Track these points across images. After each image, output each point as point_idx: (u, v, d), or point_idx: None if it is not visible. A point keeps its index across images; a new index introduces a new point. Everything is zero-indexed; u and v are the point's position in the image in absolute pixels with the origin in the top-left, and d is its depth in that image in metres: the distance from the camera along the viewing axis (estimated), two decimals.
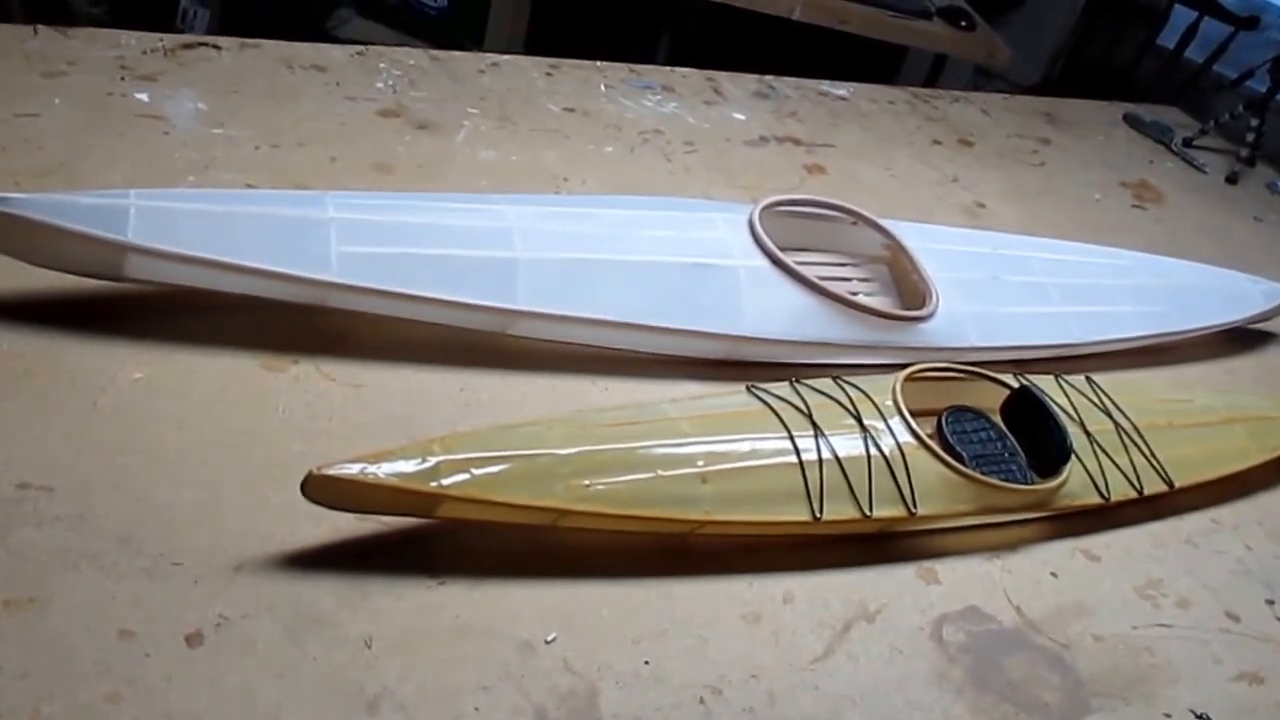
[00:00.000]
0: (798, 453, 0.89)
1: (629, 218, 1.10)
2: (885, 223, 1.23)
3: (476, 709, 0.72)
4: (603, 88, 1.63)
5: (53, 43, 1.40)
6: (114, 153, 1.20)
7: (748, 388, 0.96)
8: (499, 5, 3.04)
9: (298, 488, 0.77)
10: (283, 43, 1.53)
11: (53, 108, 1.26)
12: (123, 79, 1.35)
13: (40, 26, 1.42)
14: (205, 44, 1.49)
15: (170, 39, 1.48)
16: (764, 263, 1.09)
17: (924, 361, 1.05)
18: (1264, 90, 1.91)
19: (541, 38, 2.97)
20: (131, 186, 1.07)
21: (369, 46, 1.61)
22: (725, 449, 0.88)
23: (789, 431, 0.90)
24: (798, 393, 0.95)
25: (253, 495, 0.84)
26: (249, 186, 1.19)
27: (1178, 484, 1.05)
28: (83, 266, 0.95)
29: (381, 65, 1.54)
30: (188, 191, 1.03)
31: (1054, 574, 0.97)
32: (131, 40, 1.44)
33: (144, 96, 1.33)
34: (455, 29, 3.02)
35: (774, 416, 0.92)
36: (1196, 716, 0.87)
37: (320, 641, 0.74)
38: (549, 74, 1.63)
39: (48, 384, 0.89)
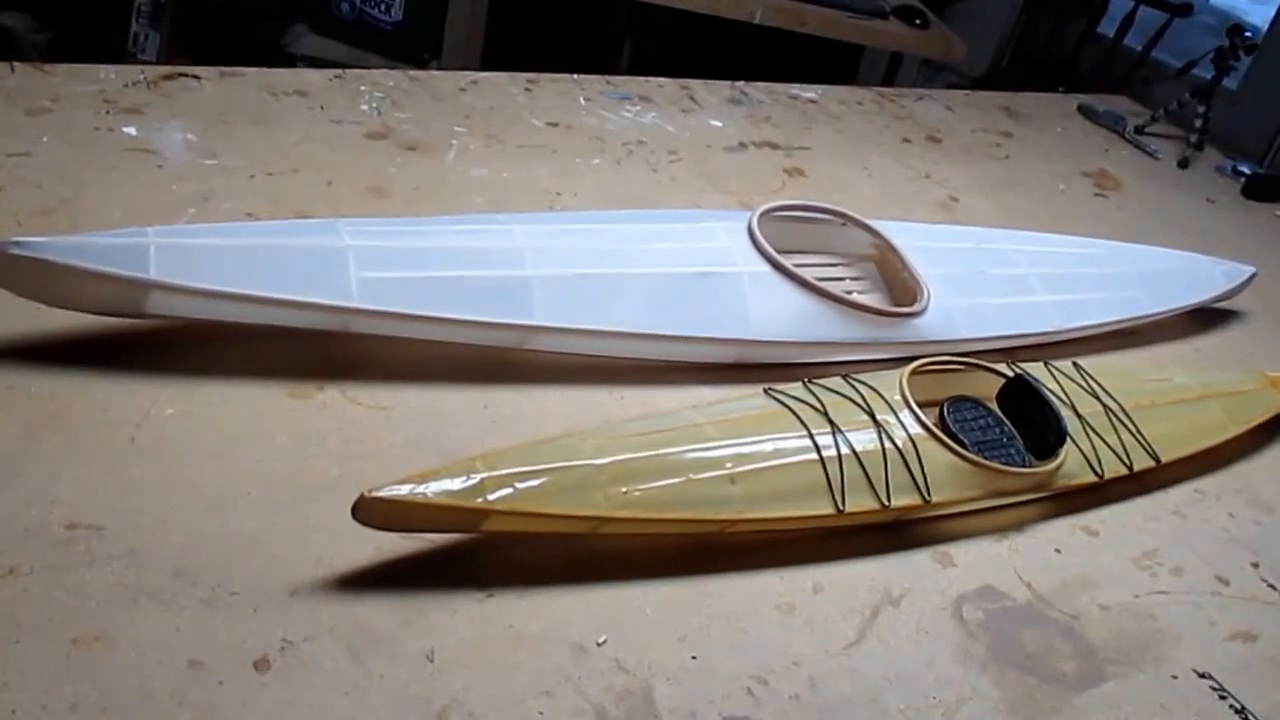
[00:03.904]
0: (818, 450, 0.93)
1: (634, 231, 1.14)
2: (873, 223, 1.28)
3: (542, 713, 0.75)
4: (582, 100, 1.66)
5: (32, 79, 1.39)
6: (111, 188, 1.21)
7: (765, 390, 1.00)
8: (455, 17, 3.05)
9: (341, 510, 0.80)
10: (263, 69, 1.54)
11: (42, 145, 1.26)
12: (108, 113, 1.36)
13: (17, 64, 1.42)
14: (185, 74, 1.49)
15: (150, 70, 1.48)
16: (765, 268, 1.13)
17: (919, 355, 1.10)
18: (1209, 78, 2.00)
19: (500, 48, 2.98)
20: (132, 222, 1.08)
21: (347, 70, 1.62)
22: (750, 450, 0.92)
23: (808, 430, 0.95)
24: (812, 392, 0.99)
25: (297, 520, 0.86)
26: (250, 215, 1.21)
27: (1164, 459, 1.11)
28: (103, 305, 0.96)
29: (362, 88, 1.56)
30: (204, 227, 1.04)
31: (1058, 550, 1.02)
32: (111, 74, 1.45)
33: (132, 130, 1.33)
34: (411, 43, 3.02)
35: (792, 416, 0.96)
36: (1200, 676, 0.93)
37: (383, 658, 0.77)
38: (528, 89, 1.66)
39: (82, 424, 0.90)
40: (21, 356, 0.94)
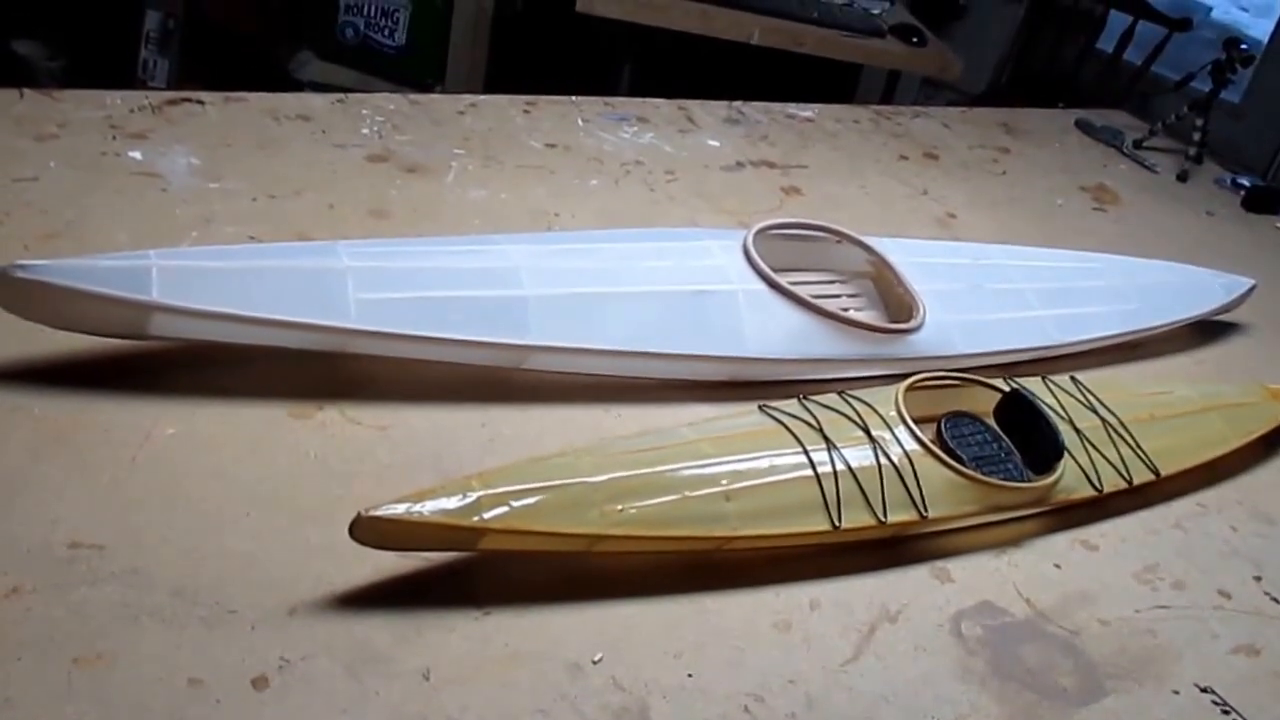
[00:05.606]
0: (813, 466, 0.94)
1: (629, 250, 1.15)
2: (868, 239, 1.29)
3: None
4: (580, 121, 1.68)
5: (40, 105, 1.41)
6: (116, 212, 1.22)
7: (760, 407, 1.00)
8: (457, 41, 3.08)
9: (339, 530, 0.80)
10: (265, 94, 1.56)
11: (49, 170, 1.27)
12: (114, 138, 1.37)
13: (26, 90, 1.44)
14: (190, 99, 1.51)
15: (155, 96, 1.50)
16: (760, 286, 1.14)
17: (915, 370, 1.11)
18: (1206, 91, 2.01)
19: (502, 72, 3.01)
20: (137, 245, 1.10)
21: (349, 94, 1.64)
22: (746, 467, 0.92)
23: (803, 446, 0.95)
24: (807, 409, 1.00)
25: (296, 540, 0.86)
26: (252, 238, 1.22)
27: (1164, 472, 1.11)
28: (105, 328, 0.97)
29: (364, 112, 1.58)
30: (205, 249, 1.06)
31: (1057, 565, 1.02)
32: (117, 99, 1.46)
33: (137, 155, 1.35)
34: (415, 68, 3.06)
35: (788, 433, 0.96)
36: (1202, 691, 0.92)
37: (380, 676, 0.77)
38: (526, 111, 1.68)
39: (83, 444, 0.91)
40: (25, 378, 0.95)
